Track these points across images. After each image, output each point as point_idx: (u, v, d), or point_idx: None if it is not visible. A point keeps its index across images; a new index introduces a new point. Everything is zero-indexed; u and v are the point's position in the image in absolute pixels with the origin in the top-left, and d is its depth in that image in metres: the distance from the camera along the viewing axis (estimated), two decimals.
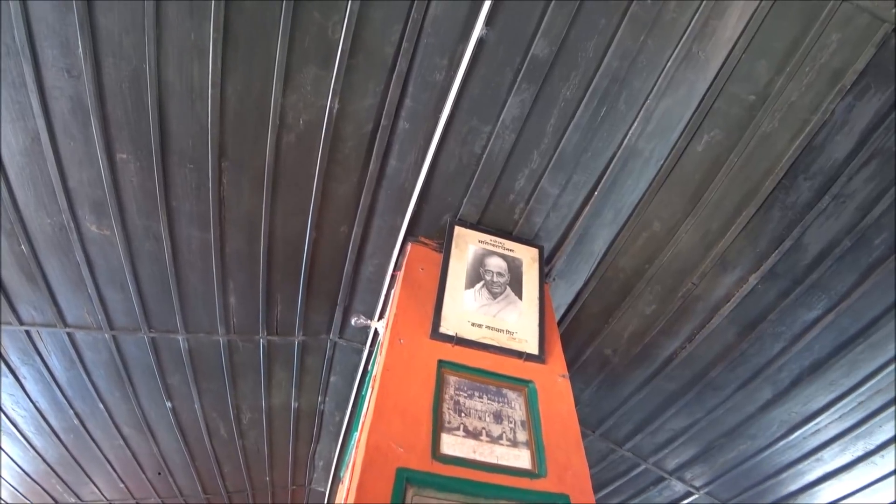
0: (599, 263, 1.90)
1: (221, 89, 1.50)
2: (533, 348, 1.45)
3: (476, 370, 1.34)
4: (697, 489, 2.83)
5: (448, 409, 1.22)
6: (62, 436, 3.08)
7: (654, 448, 2.66)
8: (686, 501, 2.94)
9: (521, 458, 1.18)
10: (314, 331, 2.37)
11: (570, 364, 2.28)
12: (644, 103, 1.54)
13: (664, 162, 1.64)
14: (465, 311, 1.48)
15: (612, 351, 2.22)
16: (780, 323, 2.00)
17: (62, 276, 2.02)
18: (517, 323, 1.50)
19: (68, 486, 3.75)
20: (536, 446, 1.21)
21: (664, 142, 1.61)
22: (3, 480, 3.62)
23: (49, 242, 1.89)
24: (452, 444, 1.14)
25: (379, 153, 1.63)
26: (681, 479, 2.79)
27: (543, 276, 1.70)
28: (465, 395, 1.27)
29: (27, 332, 2.30)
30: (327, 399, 2.85)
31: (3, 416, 2.90)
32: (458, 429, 1.18)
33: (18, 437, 3.06)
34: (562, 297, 2.00)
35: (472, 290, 1.54)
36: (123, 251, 1.91)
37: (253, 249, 1.92)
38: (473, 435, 1.18)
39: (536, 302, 1.58)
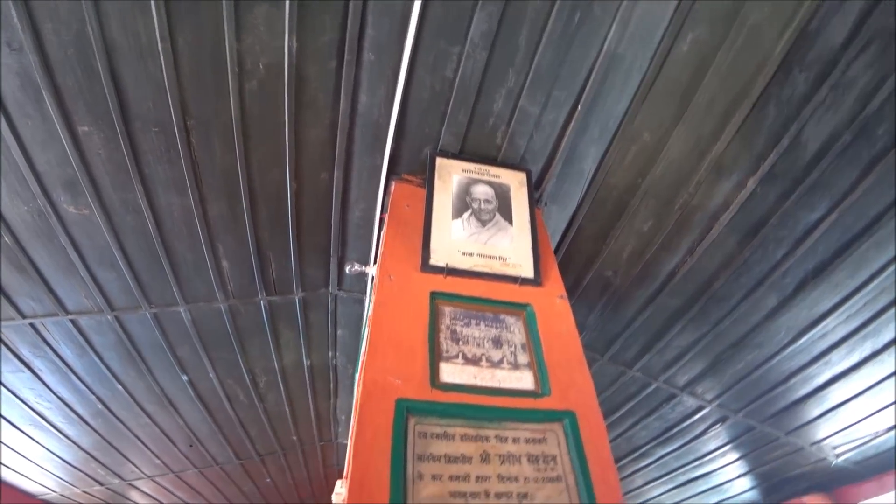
0: (591, 183, 1.84)
1: (172, 42, 1.42)
2: (528, 272, 1.43)
3: (471, 298, 1.32)
4: (709, 402, 2.89)
5: (445, 338, 1.21)
6: (91, 421, 3.17)
7: (664, 366, 2.69)
8: (699, 415, 3.01)
9: (523, 380, 1.18)
10: (313, 286, 2.37)
11: (572, 290, 2.27)
12: (621, 4, 1.43)
13: (648, 67, 1.55)
14: (454, 241, 1.44)
15: (612, 272, 2.20)
16: (781, 227, 1.96)
17: (51, 263, 2.01)
18: (509, 248, 1.47)
19: (109, 468, 3.91)
20: (538, 367, 1.21)
21: (646, 45, 1.51)
22: (49, 472, 3.77)
23: (30, 231, 1.87)
24: (452, 372, 1.13)
25: (347, 90, 1.55)
26: (692, 394, 2.85)
27: (534, 200, 1.65)
28: (462, 323, 1.26)
29: (32, 325, 2.31)
30: (337, 353, 2.90)
31: (30, 409, 2.98)
32: (456, 357, 1.17)
33: (50, 429, 3.17)
34: (556, 223, 1.95)
35: (459, 219, 1.50)
36: (106, 228, 1.88)
37: (235, 209, 1.88)
38: (473, 361, 1.18)
39: (528, 226, 1.54)
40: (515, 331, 1.29)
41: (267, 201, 1.88)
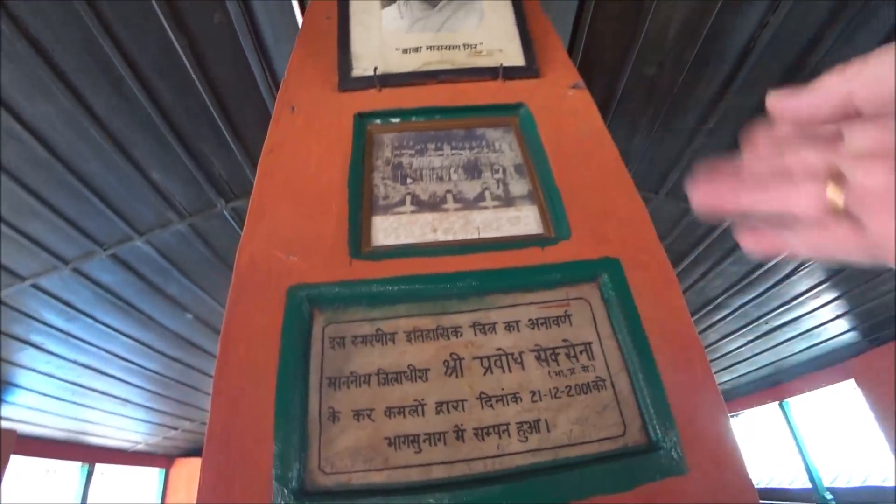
0: None
1: None
2: (514, 57, 0.87)
3: (424, 112, 0.81)
4: None
5: (383, 179, 0.73)
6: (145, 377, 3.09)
7: None
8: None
9: (521, 221, 0.69)
10: None
11: (604, 105, 1.64)
12: None
13: None
14: (387, 36, 0.90)
15: (656, 66, 1.54)
16: None
17: None
18: (480, 30, 0.91)
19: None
20: (547, 195, 0.71)
21: None
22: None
23: None
24: (392, 229, 0.66)
25: None
26: None
27: None
28: (412, 152, 0.76)
29: None
30: None
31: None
32: (401, 204, 0.69)
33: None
34: (559, 7, 1.31)
35: (392, 6, 0.94)
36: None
37: (131, 101, 1.39)
38: (431, 205, 0.69)
39: None
40: (503, 148, 0.78)
41: (157, 70, 1.35)
